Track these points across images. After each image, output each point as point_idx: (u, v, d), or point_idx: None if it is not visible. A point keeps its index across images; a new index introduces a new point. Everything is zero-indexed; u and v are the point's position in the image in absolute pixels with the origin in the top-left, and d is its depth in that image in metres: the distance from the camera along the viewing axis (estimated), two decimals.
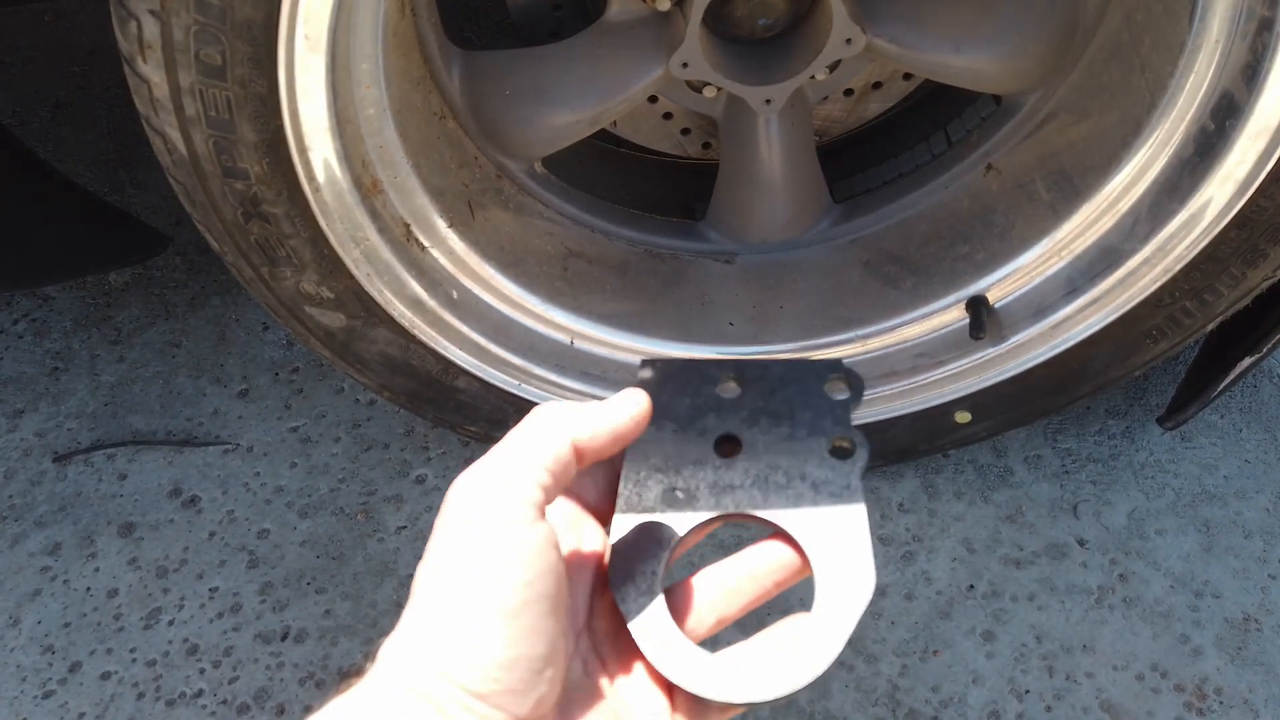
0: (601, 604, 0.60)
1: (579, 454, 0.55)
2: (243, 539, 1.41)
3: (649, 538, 0.61)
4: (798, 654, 0.56)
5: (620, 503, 0.62)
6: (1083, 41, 1.16)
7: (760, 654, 0.58)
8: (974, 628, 1.31)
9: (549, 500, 0.53)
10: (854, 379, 0.67)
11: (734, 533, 1.14)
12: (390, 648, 0.51)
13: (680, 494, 0.62)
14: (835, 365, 0.68)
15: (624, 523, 0.61)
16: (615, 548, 0.60)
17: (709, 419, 0.66)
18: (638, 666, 0.58)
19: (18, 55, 2.00)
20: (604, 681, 0.58)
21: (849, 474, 0.63)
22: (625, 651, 0.58)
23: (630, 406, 0.59)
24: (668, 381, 0.68)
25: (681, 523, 0.61)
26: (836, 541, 0.60)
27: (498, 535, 0.51)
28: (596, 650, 0.59)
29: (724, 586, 0.61)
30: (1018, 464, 1.46)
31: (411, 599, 0.52)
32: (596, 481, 0.64)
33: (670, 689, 0.58)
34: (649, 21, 1.15)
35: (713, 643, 0.60)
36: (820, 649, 0.57)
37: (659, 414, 0.64)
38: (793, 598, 0.62)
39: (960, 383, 1.28)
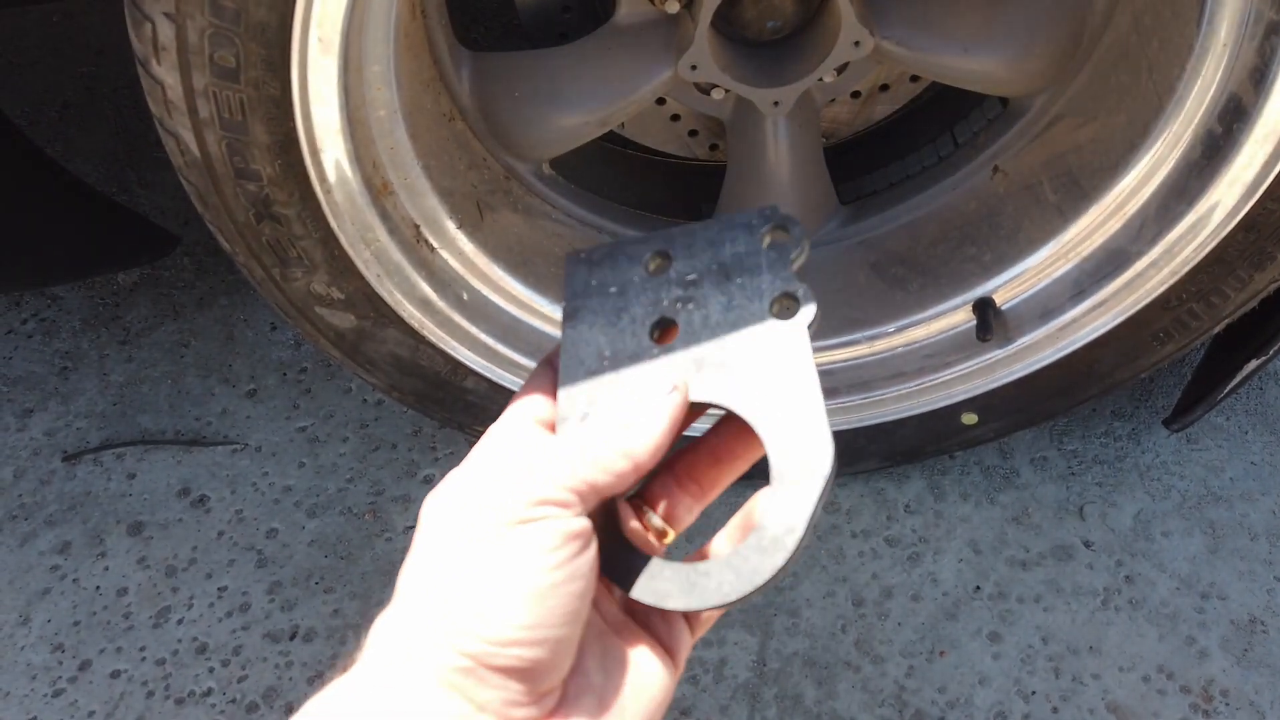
0: None
1: (639, 470, 0.54)
2: (251, 538, 1.41)
3: None
4: (759, 546, 0.53)
5: (558, 417, 0.57)
6: (1090, 44, 1.16)
7: (728, 550, 0.55)
8: (980, 629, 1.32)
9: (586, 507, 0.52)
10: (791, 224, 0.60)
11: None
12: (384, 626, 0.50)
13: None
14: (767, 213, 0.61)
15: (566, 432, 0.57)
16: None
17: (639, 304, 0.60)
18: (628, 602, 0.57)
19: (26, 55, 2.01)
20: (611, 607, 0.57)
21: (795, 333, 0.57)
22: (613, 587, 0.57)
23: (672, 399, 0.55)
24: (593, 273, 0.63)
25: None
26: (788, 415, 0.55)
27: (540, 524, 0.50)
28: (603, 579, 0.57)
29: (696, 475, 0.60)
30: (1024, 465, 1.46)
31: (431, 569, 0.50)
32: (550, 383, 0.61)
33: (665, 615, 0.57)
34: (658, 24, 1.15)
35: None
36: (784, 529, 0.52)
37: (587, 311, 0.60)
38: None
39: (967, 384, 1.28)
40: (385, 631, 0.50)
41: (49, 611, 1.35)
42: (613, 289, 0.62)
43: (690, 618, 0.57)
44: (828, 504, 0.60)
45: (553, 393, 0.59)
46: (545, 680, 0.49)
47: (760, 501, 0.55)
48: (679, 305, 0.60)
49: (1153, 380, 1.54)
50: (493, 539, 0.49)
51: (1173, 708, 1.25)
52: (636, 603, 0.56)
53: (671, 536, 0.60)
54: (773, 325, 0.57)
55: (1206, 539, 1.39)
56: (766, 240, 0.61)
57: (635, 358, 0.58)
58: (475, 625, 0.48)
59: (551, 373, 0.61)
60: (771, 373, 0.56)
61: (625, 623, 0.56)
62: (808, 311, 0.58)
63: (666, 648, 0.56)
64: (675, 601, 0.54)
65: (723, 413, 0.58)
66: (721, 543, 0.58)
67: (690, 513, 0.60)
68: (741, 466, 0.60)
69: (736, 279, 0.59)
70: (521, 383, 1.23)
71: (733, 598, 0.52)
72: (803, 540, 0.52)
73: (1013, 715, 1.25)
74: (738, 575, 0.53)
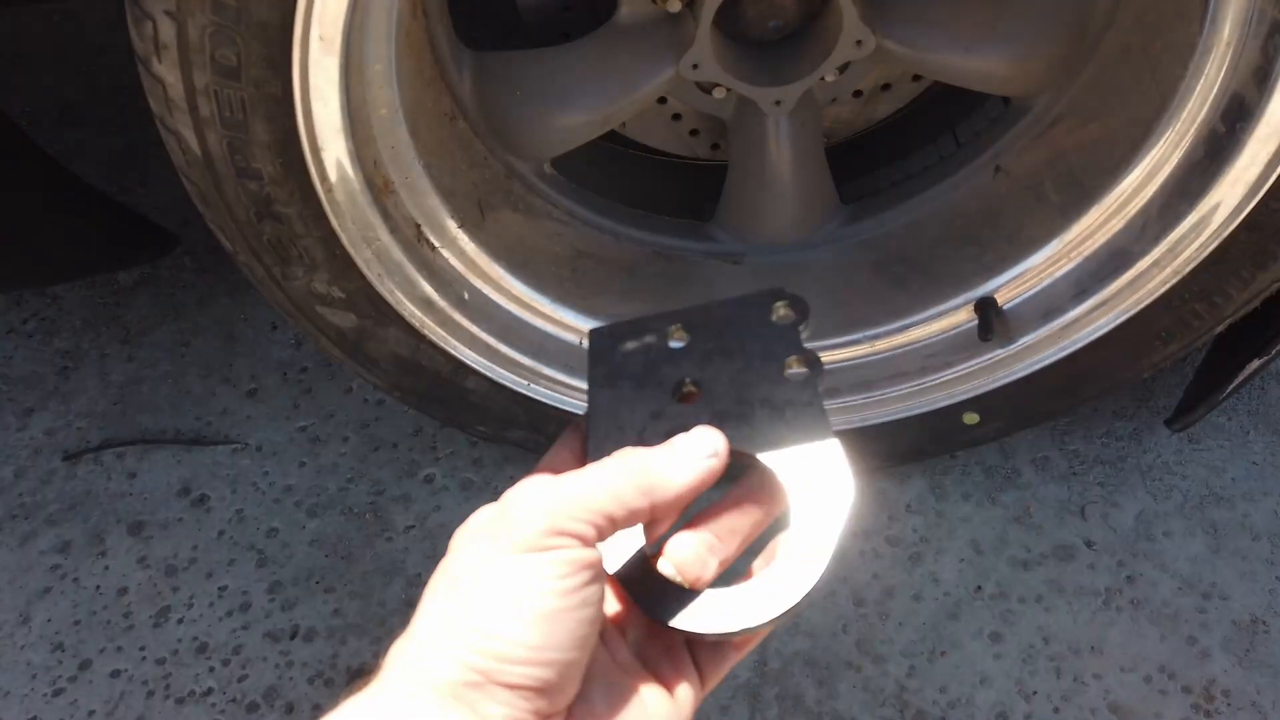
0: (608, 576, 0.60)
1: (655, 512, 0.55)
2: (252, 538, 1.41)
3: None
4: (790, 568, 0.56)
5: None
6: (1092, 43, 1.16)
7: (752, 582, 0.58)
8: (982, 629, 1.32)
9: (601, 540, 0.53)
10: (797, 302, 0.67)
11: None
12: (408, 645, 0.51)
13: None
14: (776, 293, 0.68)
15: None
16: None
17: (662, 371, 0.65)
18: (653, 628, 0.58)
19: (27, 55, 2.01)
20: (622, 652, 0.58)
21: (809, 391, 0.63)
22: (639, 616, 0.59)
23: (707, 463, 0.57)
24: (616, 345, 0.67)
25: None
26: (808, 456, 0.60)
27: (554, 553, 0.51)
28: (613, 620, 0.59)
29: (719, 530, 0.61)
30: (1025, 465, 1.46)
31: (426, 600, 0.52)
32: (580, 448, 0.64)
33: (690, 642, 0.58)
34: (659, 23, 1.15)
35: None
36: (813, 549, 0.57)
37: (613, 377, 0.64)
38: None
39: (969, 384, 1.28)
40: (399, 649, 0.52)
41: (49, 611, 1.35)
42: (636, 359, 0.67)
43: (701, 666, 0.59)
44: None
45: (580, 453, 0.63)
46: (551, 701, 0.50)
47: (785, 537, 0.58)
48: (699, 372, 0.65)
49: (1154, 380, 1.53)
50: (507, 564, 0.51)
51: (1174, 708, 1.25)
52: (650, 648, 0.58)
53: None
54: (788, 384, 0.63)
55: (1208, 539, 1.39)
56: (779, 316, 0.67)
57: (658, 415, 0.63)
58: (486, 642, 0.49)
59: (579, 437, 0.64)
60: (791, 425, 0.62)
61: (636, 668, 0.58)
62: (819, 371, 0.64)
63: (675, 695, 0.57)
64: (713, 626, 0.56)
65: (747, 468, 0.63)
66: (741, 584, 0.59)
67: (708, 570, 0.61)
68: (765, 522, 0.63)
69: (752, 347, 0.66)
70: (523, 383, 1.24)
71: (766, 619, 0.56)
72: (828, 565, 0.56)
73: (1014, 715, 1.25)
74: (770, 597, 0.56)
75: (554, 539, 0.51)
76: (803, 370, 0.64)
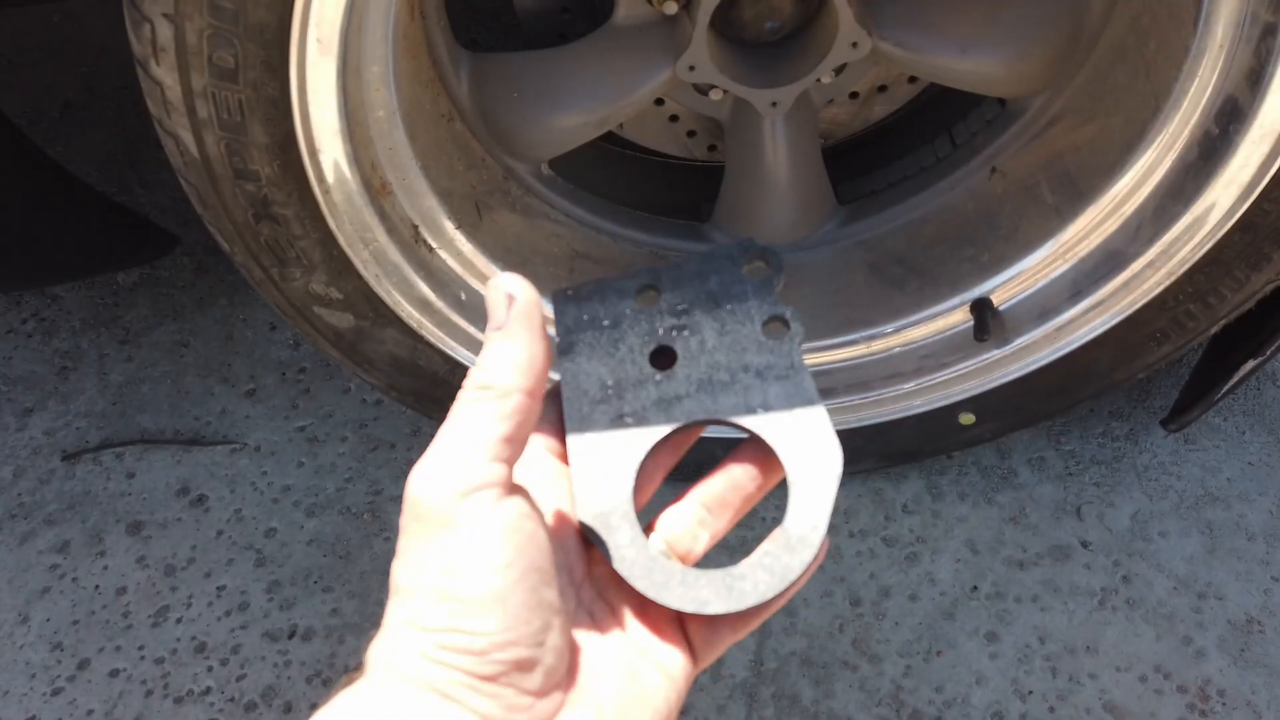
0: (596, 550, 0.59)
1: (530, 395, 0.52)
2: (250, 538, 1.41)
3: (613, 471, 0.59)
4: (787, 545, 0.56)
5: (571, 447, 0.59)
6: (1088, 45, 1.16)
7: (751, 559, 0.57)
8: (977, 628, 1.32)
9: (513, 462, 0.51)
10: (770, 255, 0.65)
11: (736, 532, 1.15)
12: (380, 648, 0.50)
13: (630, 419, 0.60)
14: (748, 245, 0.65)
15: (582, 465, 0.59)
16: (581, 494, 0.58)
17: (636, 335, 0.63)
18: (647, 604, 0.57)
19: (27, 55, 2.01)
20: (615, 628, 0.57)
21: (788, 351, 0.61)
22: (631, 592, 0.57)
23: (518, 309, 0.53)
24: (583, 308, 0.64)
25: (638, 446, 0.59)
26: (794, 425, 0.59)
27: (470, 523, 0.49)
28: (602, 597, 0.58)
29: (710, 503, 0.60)
30: (1021, 466, 1.47)
31: (392, 598, 0.51)
32: (557, 418, 0.61)
33: (681, 618, 0.58)
34: (656, 24, 1.15)
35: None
36: (808, 527, 0.56)
37: (585, 343, 0.62)
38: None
39: (965, 385, 1.28)
40: (381, 652, 0.50)
41: (48, 610, 1.35)
42: (605, 322, 0.64)
43: (695, 647, 0.58)
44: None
45: (559, 424, 0.61)
46: (534, 676, 0.49)
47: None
48: (674, 333, 0.63)
49: (1150, 380, 1.54)
50: (433, 552, 0.49)
51: (1169, 707, 1.25)
52: (642, 623, 0.57)
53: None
54: (768, 345, 0.61)
55: (1204, 539, 1.39)
56: (752, 270, 0.65)
57: (639, 384, 0.61)
58: (454, 639, 0.48)
59: (556, 406, 0.62)
60: (774, 390, 0.60)
61: (628, 644, 0.56)
62: (798, 330, 0.62)
63: (671, 674, 0.56)
64: (715, 605, 0.55)
65: (740, 437, 0.61)
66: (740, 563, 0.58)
67: (699, 543, 0.60)
68: (757, 495, 0.61)
69: (726, 306, 0.63)
70: None
71: (769, 595, 0.55)
72: (824, 536, 0.56)
73: (1010, 715, 1.25)
74: (771, 574, 0.55)
75: (468, 501, 0.49)
76: (781, 329, 0.62)
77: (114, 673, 1.30)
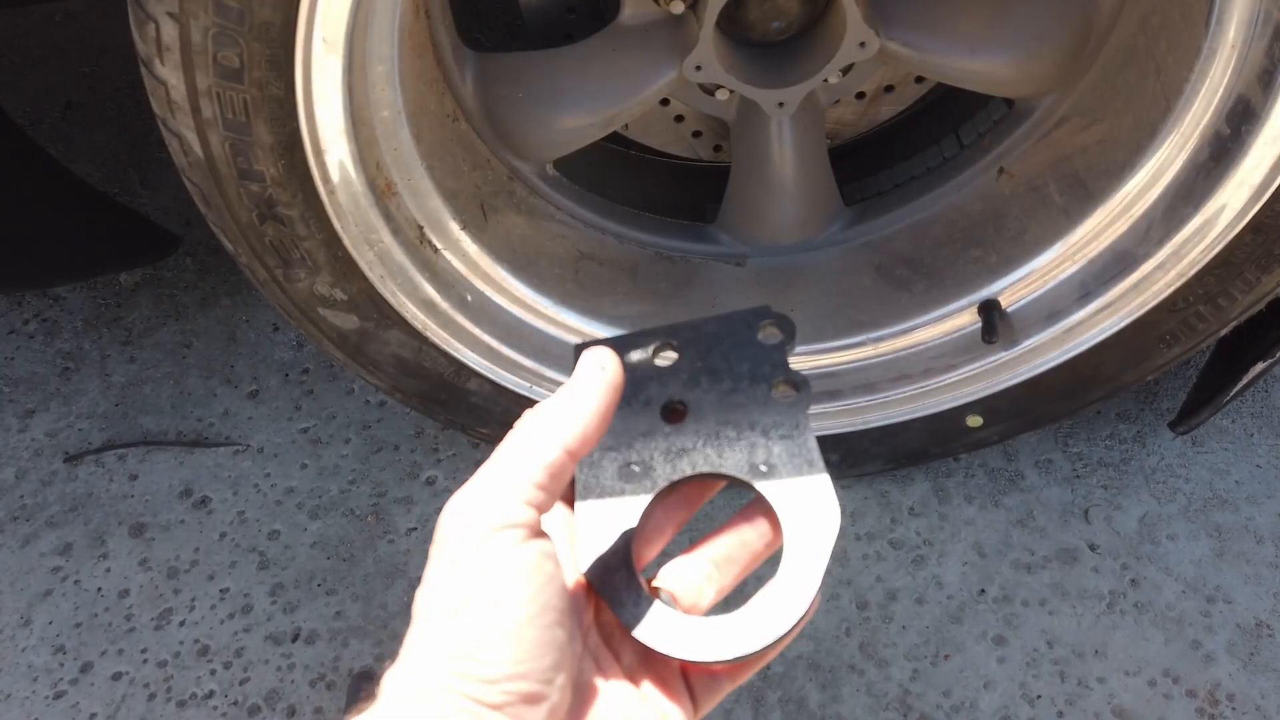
0: (597, 596, 0.60)
1: (572, 456, 0.55)
2: (253, 540, 1.41)
3: (617, 517, 0.61)
4: (779, 599, 0.57)
5: (578, 490, 0.62)
6: (1097, 45, 1.16)
7: (747, 608, 0.58)
8: (985, 632, 1.31)
9: (544, 510, 0.54)
10: (784, 322, 0.67)
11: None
12: (394, 675, 0.52)
13: (636, 468, 0.62)
14: (763, 312, 0.67)
15: (587, 510, 0.61)
16: (584, 538, 0.60)
17: (651, 389, 0.65)
18: (649, 651, 0.58)
19: (29, 55, 2.01)
20: (618, 675, 0.58)
21: (796, 414, 0.63)
22: (633, 640, 0.59)
23: (601, 379, 0.57)
24: None
25: (643, 495, 0.61)
26: (796, 481, 0.61)
27: (494, 559, 0.51)
28: (606, 643, 0.59)
29: (717, 558, 0.62)
30: (1029, 468, 1.46)
31: (413, 625, 0.52)
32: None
33: (683, 665, 0.59)
34: (662, 24, 1.15)
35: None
36: (799, 587, 0.57)
37: None
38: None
39: (972, 387, 1.28)
40: (396, 674, 0.52)
41: (50, 613, 1.35)
42: (625, 374, 0.65)
43: (695, 693, 0.60)
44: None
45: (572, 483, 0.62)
46: (540, 711, 0.51)
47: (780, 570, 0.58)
48: (687, 390, 0.65)
49: (1158, 383, 1.53)
50: (458, 583, 0.51)
51: (1178, 712, 1.25)
52: (644, 671, 0.58)
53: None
54: (777, 407, 0.64)
55: (1212, 542, 1.38)
56: (766, 335, 0.67)
57: (648, 435, 0.64)
58: (468, 667, 0.50)
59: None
60: (778, 448, 0.62)
61: (630, 691, 0.58)
62: (806, 395, 0.64)
63: (670, 716, 0.58)
64: (696, 652, 0.57)
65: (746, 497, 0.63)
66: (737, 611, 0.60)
67: (705, 597, 0.61)
68: (765, 552, 0.63)
69: (739, 366, 0.66)
70: (525, 385, 1.23)
71: (753, 649, 0.56)
72: (817, 594, 0.57)
73: (1018, 719, 1.24)
74: (761, 626, 0.57)
75: (497, 538, 0.51)
76: (790, 393, 0.64)
77: (116, 676, 1.30)
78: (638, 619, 0.57)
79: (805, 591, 0.57)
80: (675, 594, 0.61)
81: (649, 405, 0.65)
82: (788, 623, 0.57)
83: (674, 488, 0.62)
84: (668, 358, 0.67)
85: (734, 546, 0.62)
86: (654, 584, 0.61)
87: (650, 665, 0.59)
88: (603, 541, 0.60)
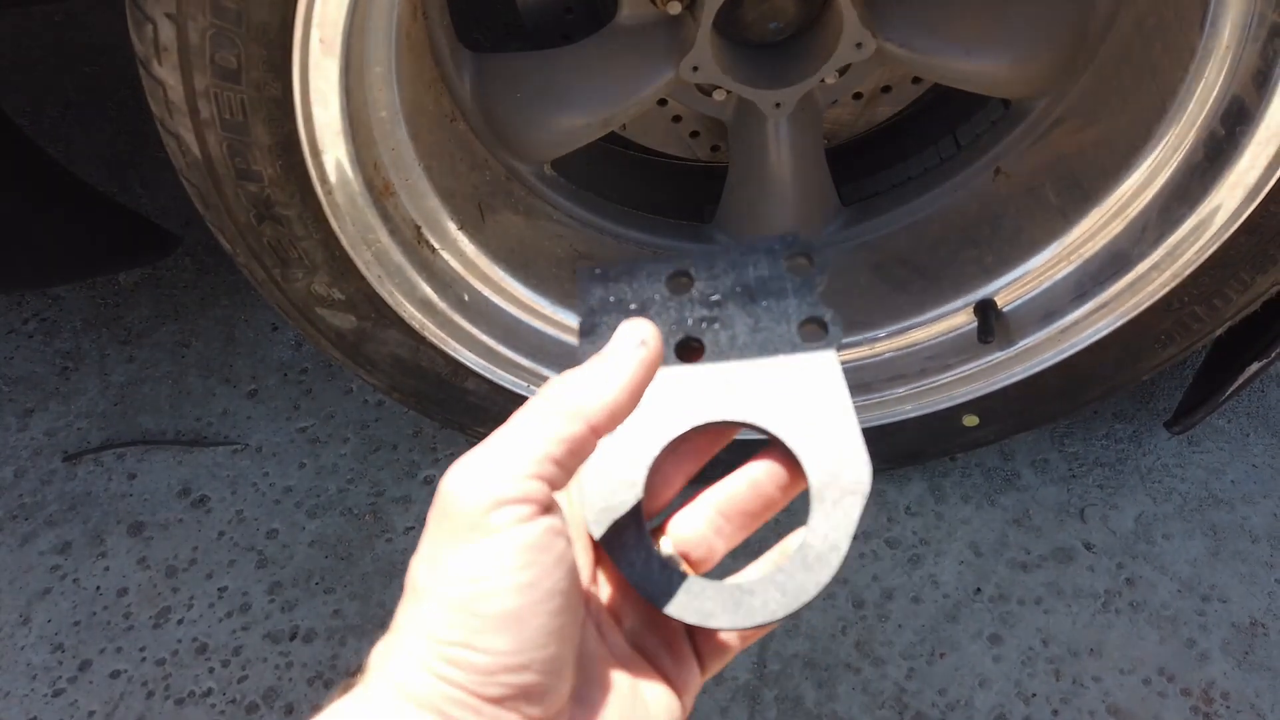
0: (602, 554, 0.56)
1: (596, 432, 0.50)
2: (252, 539, 1.41)
3: (624, 470, 0.56)
4: (804, 563, 0.53)
5: None
6: (1093, 46, 1.16)
7: (767, 572, 0.54)
8: (981, 631, 1.32)
9: (558, 487, 0.48)
10: (813, 250, 0.60)
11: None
12: (386, 651, 0.48)
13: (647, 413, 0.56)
14: (791, 240, 0.60)
15: (591, 463, 0.55)
16: (590, 494, 0.55)
17: (662, 322, 0.58)
18: (654, 610, 0.54)
19: (28, 55, 2.01)
20: (620, 638, 0.55)
21: (825, 356, 0.56)
22: (637, 601, 0.55)
23: (639, 355, 0.51)
24: (609, 289, 0.60)
25: (653, 443, 0.56)
26: (824, 434, 0.55)
27: (494, 536, 0.46)
28: (608, 602, 0.56)
29: (728, 509, 0.57)
30: (1025, 468, 1.46)
31: (406, 597, 0.48)
32: None
33: (689, 630, 0.55)
34: (660, 25, 1.15)
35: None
36: (828, 546, 0.53)
37: (608, 326, 0.56)
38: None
39: (968, 386, 1.28)
40: (381, 652, 0.48)
41: (49, 611, 1.35)
42: (632, 305, 0.60)
43: (702, 656, 0.56)
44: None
45: None
46: (542, 703, 0.47)
47: (802, 530, 0.54)
48: (704, 325, 0.58)
49: (1154, 383, 1.53)
50: (455, 563, 0.47)
51: (1173, 711, 1.25)
52: (645, 639, 0.55)
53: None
54: (804, 348, 0.57)
55: (1207, 542, 1.39)
56: (792, 265, 0.60)
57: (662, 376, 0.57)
58: (457, 652, 0.46)
59: None
60: (806, 396, 0.56)
61: (633, 658, 0.55)
62: (836, 335, 0.57)
63: (674, 685, 0.55)
64: (720, 620, 0.53)
65: (758, 439, 0.58)
66: (751, 572, 0.56)
67: (715, 553, 0.57)
68: (782, 501, 0.58)
69: (762, 302, 0.58)
70: (523, 384, 1.24)
71: (780, 615, 0.52)
72: (845, 557, 0.53)
73: (1013, 717, 1.25)
74: (784, 592, 0.52)
75: (500, 512, 0.46)
76: (819, 332, 0.57)
77: (115, 674, 1.30)
78: (650, 582, 0.53)
79: (831, 558, 0.52)
80: (683, 548, 0.56)
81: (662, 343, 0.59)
82: (809, 592, 0.52)
83: (684, 437, 0.57)
84: (681, 288, 0.60)
85: (748, 495, 0.57)
86: (661, 539, 0.57)
87: (655, 628, 0.55)
88: (609, 495, 0.55)
